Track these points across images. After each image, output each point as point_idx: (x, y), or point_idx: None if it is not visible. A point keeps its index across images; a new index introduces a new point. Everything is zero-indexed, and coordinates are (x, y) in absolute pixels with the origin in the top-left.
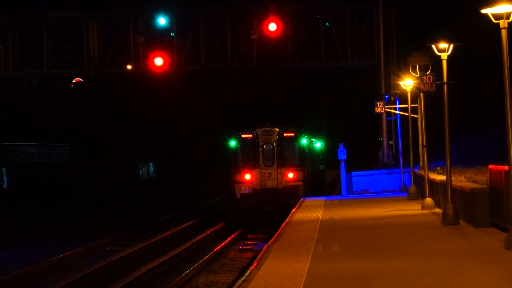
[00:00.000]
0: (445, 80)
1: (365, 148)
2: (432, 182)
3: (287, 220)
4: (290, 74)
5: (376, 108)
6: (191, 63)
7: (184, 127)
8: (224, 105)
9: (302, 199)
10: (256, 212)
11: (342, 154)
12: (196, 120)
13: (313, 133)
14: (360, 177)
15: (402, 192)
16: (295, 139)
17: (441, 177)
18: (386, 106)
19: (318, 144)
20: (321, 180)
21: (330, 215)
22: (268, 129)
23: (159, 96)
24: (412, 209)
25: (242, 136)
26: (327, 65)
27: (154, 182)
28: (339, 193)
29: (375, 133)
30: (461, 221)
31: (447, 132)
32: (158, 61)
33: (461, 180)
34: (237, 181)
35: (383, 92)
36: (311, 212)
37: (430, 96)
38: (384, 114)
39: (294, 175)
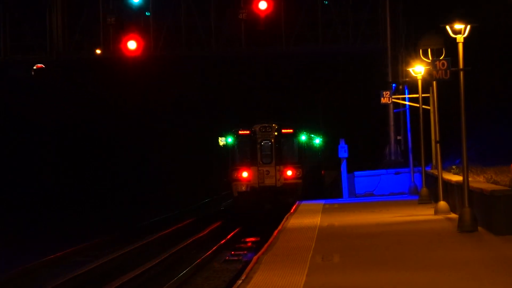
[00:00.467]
0: (461, 66)
1: (369, 145)
2: (447, 183)
3: (280, 226)
4: (284, 60)
5: (382, 99)
6: (169, 48)
7: (160, 121)
8: (208, 95)
9: (297, 202)
10: (252, 213)
11: (343, 151)
12: (175, 113)
13: (311, 128)
14: (363, 178)
15: (412, 195)
16: (294, 135)
17: (457, 178)
18: (393, 96)
19: (318, 141)
20: (319, 181)
21: (329, 221)
22: (266, 125)
23: (132, 85)
24: (423, 214)
25: (240, 132)
26: (325, 49)
27: (133, 181)
28: (339, 196)
29: (381, 127)
30: (479, 228)
31: (463, 126)
32: (132, 45)
33: (480, 181)
34: (234, 179)
35: (390, 80)
36: (308, 217)
37: (444, 85)
38: (391, 106)
39: (293, 173)
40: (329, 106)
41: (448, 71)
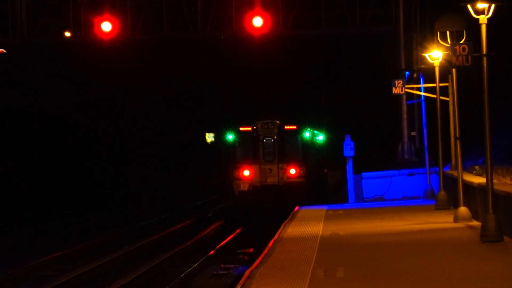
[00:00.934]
0: (484, 51)
1: (379, 142)
2: (468, 186)
3: (277, 235)
4: (281, 45)
5: (393, 89)
6: (149, 30)
7: (140, 115)
8: (195, 84)
9: (297, 207)
10: (252, 214)
11: (349, 149)
12: (158, 105)
13: (314, 123)
14: (372, 180)
15: (428, 200)
16: (297, 132)
17: (480, 180)
18: (407, 86)
19: (321, 137)
20: (322, 182)
21: (333, 229)
22: (268, 121)
23: (106, 73)
24: (441, 221)
25: (241, 129)
26: (329, 32)
27: (107, 180)
28: (344, 200)
29: (393, 122)
30: (505, 238)
31: (487, 120)
32: (106, 27)
33: (507, 184)
34: (235, 177)
35: (403, 67)
36: (308, 225)
37: (465, 73)
38: (405, 97)
39: (296, 171)
40: (332, 97)
41: (469, 56)
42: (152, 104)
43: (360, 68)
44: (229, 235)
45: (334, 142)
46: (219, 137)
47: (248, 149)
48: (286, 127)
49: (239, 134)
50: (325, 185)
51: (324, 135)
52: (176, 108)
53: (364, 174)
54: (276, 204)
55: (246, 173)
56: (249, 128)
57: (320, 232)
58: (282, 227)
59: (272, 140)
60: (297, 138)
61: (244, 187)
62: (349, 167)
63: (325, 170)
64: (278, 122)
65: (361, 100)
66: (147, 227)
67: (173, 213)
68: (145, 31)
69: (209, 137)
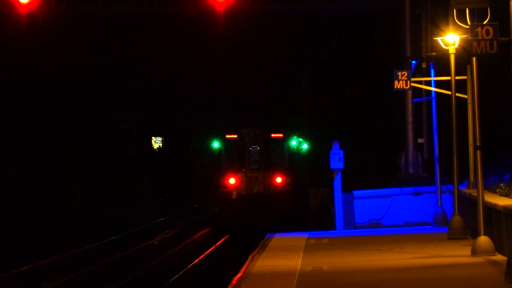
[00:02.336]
0: None
1: (376, 151)
2: (491, 210)
3: (242, 271)
4: (252, 24)
5: (396, 82)
6: (79, 3)
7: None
8: (137, 75)
9: (268, 235)
10: (235, 227)
11: (337, 160)
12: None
13: (300, 130)
14: (367, 200)
15: (439, 227)
16: (284, 140)
17: (506, 201)
18: (413, 79)
19: (305, 146)
20: (303, 200)
21: (315, 263)
22: (254, 129)
23: (22, 57)
24: (455, 255)
25: (226, 136)
26: (314, 8)
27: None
28: (330, 226)
29: (395, 125)
30: None
31: None
32: None
33: None
34: (220, 185)
35: (409, 55)
36: (284, 257)
37: (488, 63)
38: (410, 93)
39: (282, 180)
40: (317, 91)
41: (494, 41)
42: (83, 101)
43: (354, 56)
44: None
45: (321, 151)
46: (195, 143)
47: (234, 157)
48: (272, 135)
49: (225, 141)
50: (305, 208)
51: (306, 143)
52: (116, 105)
53: (356, 193)
54: (261, 213)
55: (232, 181)
56: (235, 136)
57: (299, 266)
58: (249, 259)
59: (258, 148)
60: (284, 147)
61: (230, 195)
62: (337, 183)
63: (306, 179)
64: (264, 130)
65: (356, 97)
66: (79, 255)
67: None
68: (73, 5)
69: (156, 142)
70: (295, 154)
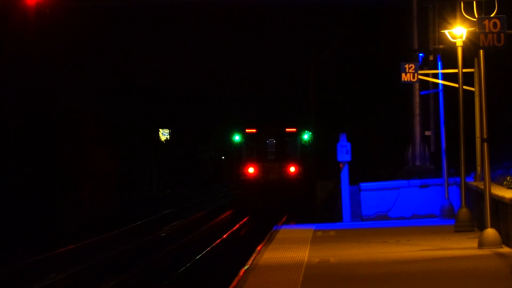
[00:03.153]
0: None
1: (382, 143)
2: (498, 202)
3: (250, 262)
4: (254, 13)
5: (403, 75)
6: None
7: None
8: (146, 68)
9: (275, 227)
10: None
11: (344, 153)
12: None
13: (309, 122)
14: (374, 192)
15: (446, 219)
16: (297, 134)
17: None
18: (420, 72)
19: (306, 136)
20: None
21: (322, 255)
22: (271, 124)
23: (31, 46)
24: (462, 247)
25: (246, 131)
26: (320, 0)
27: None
28: (337, 218)
29: (402, 118)
30: None
31: None
32: None
33: None
34: (241, 174)
35: (416, 47)
36: (290, 249)
37: (495, 56)
38: (417, 86)
39: (295, 169)
40: (324, 84)
41: (502, 34)
42: (90, 93)
43: (361, 49)
44: None
45: (328, 143)
46: (214, 136)
47: (253, 149)
48: (287, 129)
49: (245, 135)
50: (312, 200)
51: (310, 133)
52: (123, 98)
53: (363, 185)
54: (276, 198)
55: (251, 170)
56: (254, 130)
57: (306, 258)
58: (257, 251)
59: (274, 141)
60: (297, 140)
61: (250, 182)
62: (344, 175)
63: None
64: (279, 125)
65: (362, 90)
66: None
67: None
68: None
69: (163, 134)
70: (307, 147)
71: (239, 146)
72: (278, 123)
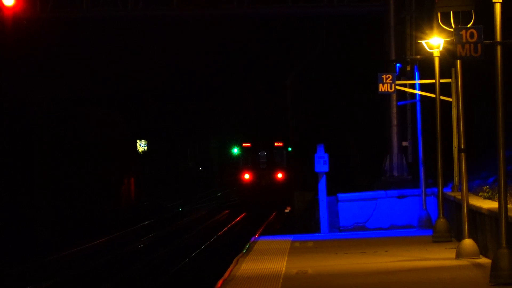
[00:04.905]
0: (498, 38)
1: (360, 154)
2: (475, 213)
3: (227, 273)
4: (235, 27)
5: (380, 85)
6: (65, 6)
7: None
8: (124, 78)
9: (253, 238)
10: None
11: (321, 163)
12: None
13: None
14: (351, 203)
15: (424, 230)
16: (283, 147)
17: (490, 204)
18: (397, 82)
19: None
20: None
21: (300, 266)
22: (262, 139)
23: (10, 59)
24: (440, 258)
25: (243, 145)
26: (298, 12)
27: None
28: (315, 229)
29: (379, 128)
30: None
31: (500, 127)
32: (7, 0)
33: None
34: (239, 179)
35: (393, 58)
36: (268, 260)
37: (472, 66)
38: (395, 96)
39: (282, 175)
40: (301, 95)
41: (479, 45)
42: (67, 102)
43: (337, 60)
44: None
45: (305, 154)
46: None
47: (248, 159)
48: (275, 143)
49: (242, 148)
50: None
51: (287, 145)
52: (102, 107)
53: (341, 196)
54: (267, 199)
55: (247, 176)
56: (249, 144)
57: (284, 270)
58: (234, 262)
59: (265, 153)
60: (283, 152)
61: (246, 186)
62: (322, 186)
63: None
64: (269, 140)
65: (339, 100)
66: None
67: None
68: (58, 8)
69: (141, 145)
70: (292, 157)
71: (237, 157)
72: (268, 139)
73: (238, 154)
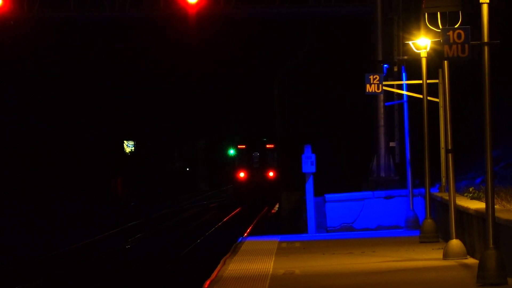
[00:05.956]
0: (485, 38)
1: (348, 154)
2: (463, 213)
3: (214, 274)
4: (224, 27)
5: (367, 86)
6: (51, 6)
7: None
8: (109, 77)
9: (240, 239)
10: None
11: (308, 164)
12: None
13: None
14: (339, 204)
15: (411, 230)
16: (274, 149)
17: (477, 205)
18: (384, 83)
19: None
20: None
21: (287, 267)
22: (256, 141)
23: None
24: (427, 258)
25: (238, 146)
26: (284, 12)
27: None
28: (302, 230)
29: (366, 129)
30: (510, 280)
31: (488, 128)
32: None
33: None
34: (235, 177)
35: (381, 58)
36: (255, 261)
37: (460, 67)
38: (382, 97)
39: (273, 174)
40: (288, 96)
41: (466, 45)
42: (54, 103)
43: (326, 60)
44: None
45: (292, 154)
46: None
47: (243, 159)
48: (267, 145)
49: (238, 149)
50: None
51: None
52: (90, 108)
53: (328, 196)
54: (260, 195)
55: (242, 174)
56: (244, 146)
57: (271, 270)
58: (221, 262)
59: (258, 154)
60: (274, 153)
61: (241, 183)
62: (309, 186)
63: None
64: (261, 142)
65: (326, 101)
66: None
67: None
68: (45, 8)
69: (128, 146)
70: (279, 158)
71: (233, 157)
72: (260, 141)
73: (234, 155)
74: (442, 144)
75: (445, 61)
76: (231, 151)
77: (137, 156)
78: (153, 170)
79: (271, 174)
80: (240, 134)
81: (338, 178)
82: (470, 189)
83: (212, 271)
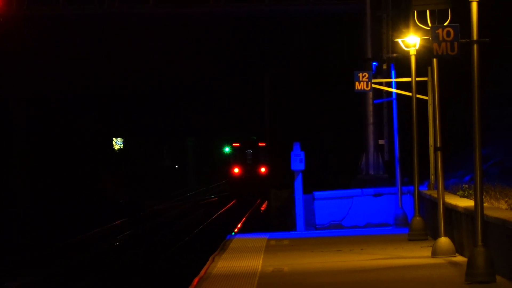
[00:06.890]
0: (475, 36)
1: (337, 152)
2: (451, 211)
3: (203, 271)
4: (212, 26)
5: (356, 84)
6: (41, 3)
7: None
8: (101, 75)
9: (228, 236)
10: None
11: (297, 161)
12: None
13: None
14: (327, 201)
15: (400, 228)
16: (266, 147)
17: (466, 203)
18: (373, 80)
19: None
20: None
21: (276, 264)
22: (249, 140)
23: None
24: (416, 256)
25: (233, 144)
26: (275, 10)
27: None
28: (291, 227)
29: (355, 127)
30: (498, 277)
31: (477, 126)
32: None
33: (501, 208)
34: (230, 172)
35: (370, 56)
36: (244, 258)
37: (449, 65)
38: (371, 94)
39: (265, 170)
40: (278, 95)
41: (455, 43)
42: (44, 100)
43: (313, 58)
44: None
45: (282, 152)
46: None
47: (237, 156)
48: (259, 144)
49: (232, 147)
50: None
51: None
52: (78, 106)
53: (317, 194)
54: (253, 189)
55: (236, 170)
56: (238, 144)
57: (260, 267)
58: (210, 260)
59: (251, 151)
60: (266, 151)
61: (236, 178)
62: (298, 184)
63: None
64: (254, 140)
65: (316, 99)
66: None
67: None
68: (35, 6)
69: (117, 143)
70: (271, 154)
71: (228, 154)
72: (253, 139)
73: (229, 152)
74: (431, 142)
75: (434, 59)
76: (226, 149)
77: (125, 153)
78: (142, 167)
79: (263, 169)
80: (230, 132)
81: (327, 175)
82: (462, 187)
83: (201, 269)
